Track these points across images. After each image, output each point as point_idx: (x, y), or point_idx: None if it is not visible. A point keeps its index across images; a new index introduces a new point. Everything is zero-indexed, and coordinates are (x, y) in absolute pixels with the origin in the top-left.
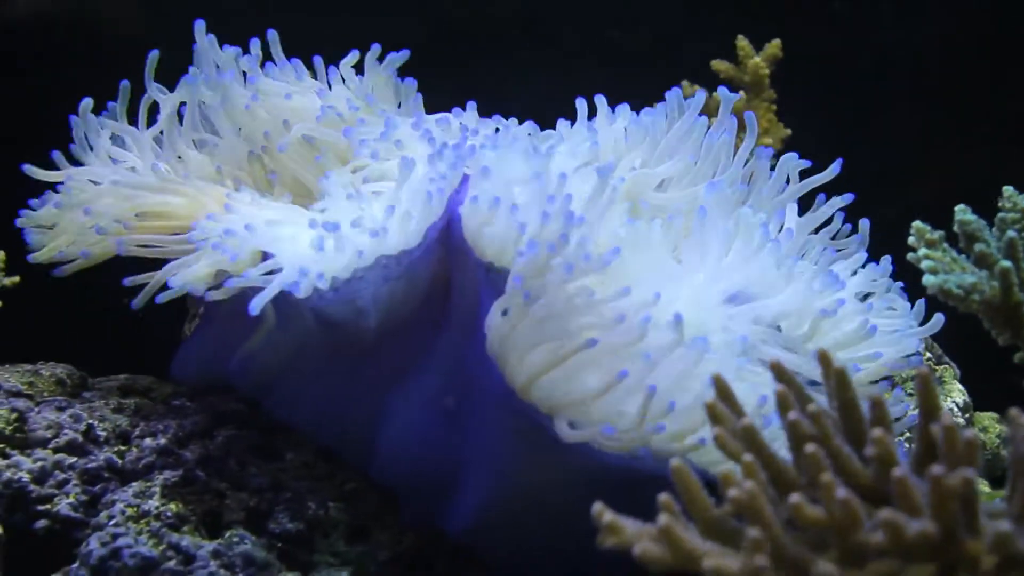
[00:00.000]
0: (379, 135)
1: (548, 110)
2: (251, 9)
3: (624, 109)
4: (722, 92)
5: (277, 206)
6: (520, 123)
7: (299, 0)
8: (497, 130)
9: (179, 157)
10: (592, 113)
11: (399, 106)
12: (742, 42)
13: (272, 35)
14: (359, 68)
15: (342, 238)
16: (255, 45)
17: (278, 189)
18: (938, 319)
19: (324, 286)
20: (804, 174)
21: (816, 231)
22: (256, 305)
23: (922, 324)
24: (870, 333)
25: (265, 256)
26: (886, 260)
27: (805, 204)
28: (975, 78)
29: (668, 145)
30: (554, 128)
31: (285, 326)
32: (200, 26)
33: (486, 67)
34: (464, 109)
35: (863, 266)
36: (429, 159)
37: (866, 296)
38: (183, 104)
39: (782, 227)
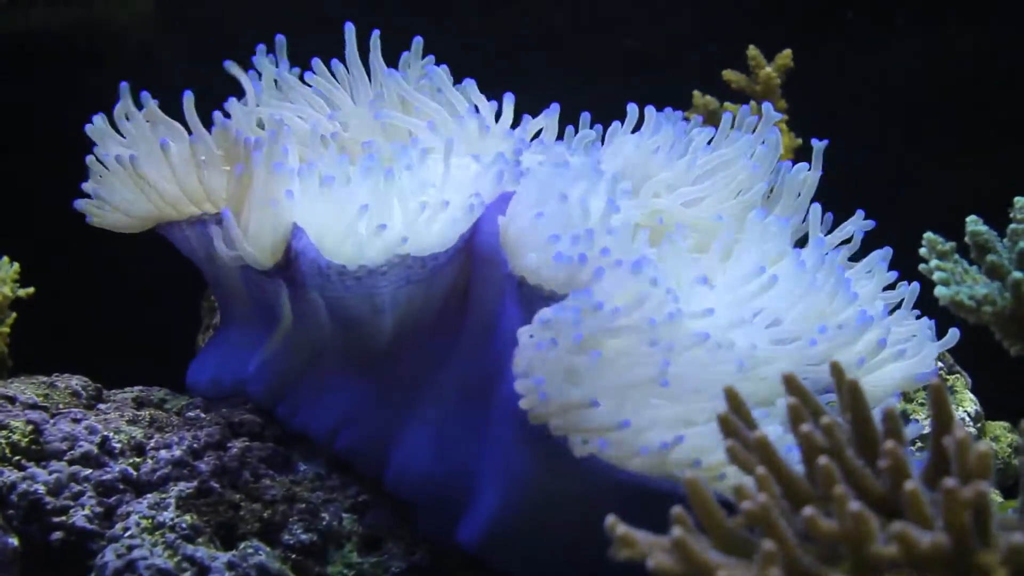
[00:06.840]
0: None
1: (561, 118)
2: (262, 14)
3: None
4: (766, 109)
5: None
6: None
7: (311, 10)
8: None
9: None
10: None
11: None
12: (753, 51)
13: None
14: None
15: (383, 224)
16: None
17: None
18: (953, 334)
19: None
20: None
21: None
22: None
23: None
24: (883, 347)
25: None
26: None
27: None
28: (986, 88)
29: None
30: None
31: (301, 325)
32: (350, 29)
33: (500, 80)
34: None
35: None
36: (475, 172)
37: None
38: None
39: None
